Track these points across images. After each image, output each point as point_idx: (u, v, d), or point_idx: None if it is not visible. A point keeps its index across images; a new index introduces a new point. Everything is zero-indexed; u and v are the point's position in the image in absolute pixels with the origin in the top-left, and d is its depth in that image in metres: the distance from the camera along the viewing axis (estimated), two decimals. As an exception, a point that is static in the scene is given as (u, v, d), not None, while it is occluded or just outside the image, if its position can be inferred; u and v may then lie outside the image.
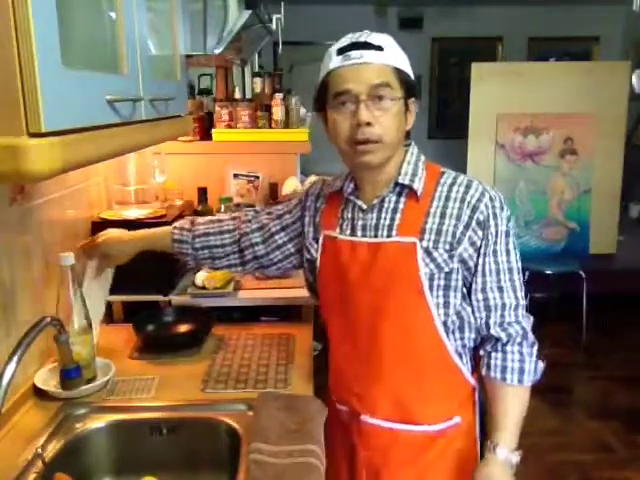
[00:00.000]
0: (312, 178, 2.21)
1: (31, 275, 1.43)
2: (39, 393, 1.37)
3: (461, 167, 4.44)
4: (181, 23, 1.44)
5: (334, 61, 1.13)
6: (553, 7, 5.71)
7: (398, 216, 1.19)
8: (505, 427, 1.19)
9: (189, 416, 1.33)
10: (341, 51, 1.13)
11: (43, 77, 0.72)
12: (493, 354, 1.20)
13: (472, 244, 1.17)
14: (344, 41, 1.14)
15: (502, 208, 1.20)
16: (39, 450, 1.15)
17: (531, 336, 1.23)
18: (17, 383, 1.31)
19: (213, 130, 2.29)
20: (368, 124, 1.11)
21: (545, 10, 5.75)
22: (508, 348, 1.20)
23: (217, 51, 1.54)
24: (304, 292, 1.50)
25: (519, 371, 1.19)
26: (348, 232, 1.23)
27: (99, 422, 1.30)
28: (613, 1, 5.40)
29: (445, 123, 6.08)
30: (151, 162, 2.04)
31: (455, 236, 1.15)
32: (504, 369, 1.19)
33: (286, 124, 2.29)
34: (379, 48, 1.11)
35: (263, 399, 1.32)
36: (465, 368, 1.24)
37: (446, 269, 1.16)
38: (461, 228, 1.16)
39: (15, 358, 0.98)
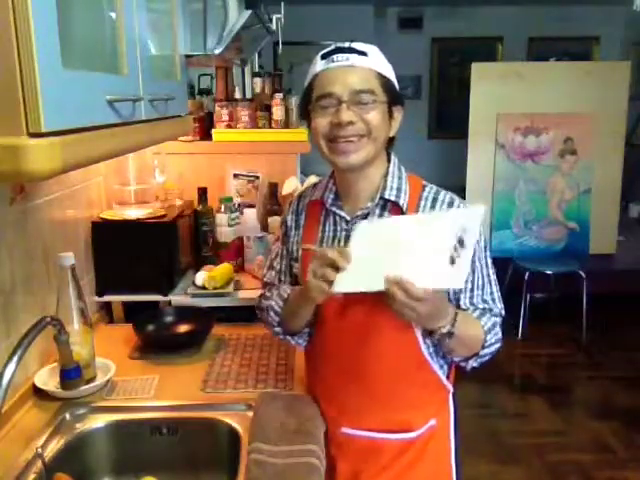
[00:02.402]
0: (312, 178, 2.21)
1: (31, 275, 1.43)
2: (39, 393, 1.37)
3: (461, 167, 4.44)
4: (181, 23, 1.44)
5: (319, 64, 1.14)
6: (553, 7, 5.72)
7: None
8: (465, 315, 1.16)
9: (189, 416, 1.33)
10: (325, 55, 1.13)
11: (43, 77, 0.72)
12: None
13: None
14: (329, 48, 1.14)
15: (480, 224, 1.21)
16: (39, 450, 1.15)
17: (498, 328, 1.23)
18: (17, 383, 1.31)
19: (213, 130, 2.29)
20: (350, 123, 1.09)
21: (545, 10, 5.76)
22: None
23: (217, 51, 1.54)
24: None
25: (492, 324, 1.20)
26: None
27: (99, 422, 1.30)
28: (613, 1, 5.41)
29: (445, 123, 6.09)
30: (151, 162, 2.04)
31: None
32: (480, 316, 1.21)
33: (286, 124, 2.29)
34: (363, 54, 1.11)
35: (263, 399, 1.32)
36: (441, 372, 1.25)
37: None
38: None
39: (15, 358, 0.98)
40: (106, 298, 1.85)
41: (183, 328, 1.71)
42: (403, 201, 1.17)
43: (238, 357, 1.58)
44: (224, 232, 2.08)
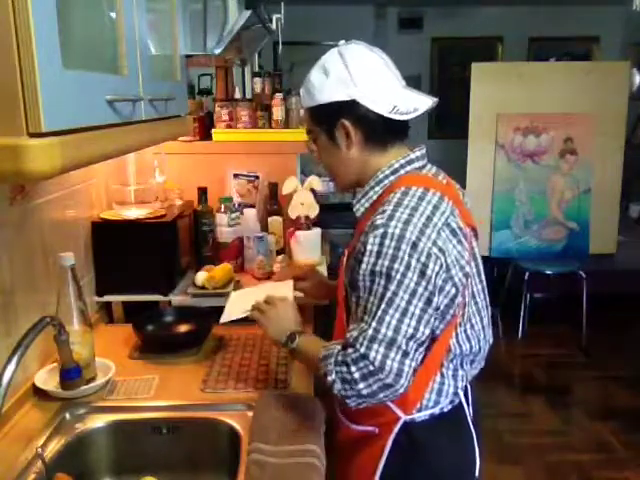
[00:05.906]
0: (312, 178, 2.21)
1: (31, 275, 1.43)
2: (39, 393, 1.38)
3: (461, 167, 4.43)
4: (181, 23, 1.44)
5: None
6: (553, 7, 5.72)
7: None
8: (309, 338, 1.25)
9: (189, 416, 1.33)
10: None
11: (43, 77, 0.72)
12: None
13: (352, 271, 1.11)
14: None
15: (393, 247, 1.02)
16: (39, 450, 1.15)
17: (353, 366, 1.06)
18: (17, 383, 1.31)
19: (213, 130, 2.29)
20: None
21: (545, 10, 5.75)
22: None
23: (217, 51, 1.54)
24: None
25: (328, 354, 1.09)
26: None
27: (99, 422, 1.30)
28: (613, 1, 5.40)
29: (445, 123, 6.07)
30: (151, 162, 2.04)
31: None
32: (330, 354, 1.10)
33: (286, 124, 2.29)
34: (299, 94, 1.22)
35: (263, 399, 1.32)
36: None
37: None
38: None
39: (15, 358, 0.98)
40: (106, 298, 1.85)
41: (183, 328, 1.71)
42: (357, 207, 1.18)
43: (238, 357, 1.58)
44: (224, 232, 2.08)
